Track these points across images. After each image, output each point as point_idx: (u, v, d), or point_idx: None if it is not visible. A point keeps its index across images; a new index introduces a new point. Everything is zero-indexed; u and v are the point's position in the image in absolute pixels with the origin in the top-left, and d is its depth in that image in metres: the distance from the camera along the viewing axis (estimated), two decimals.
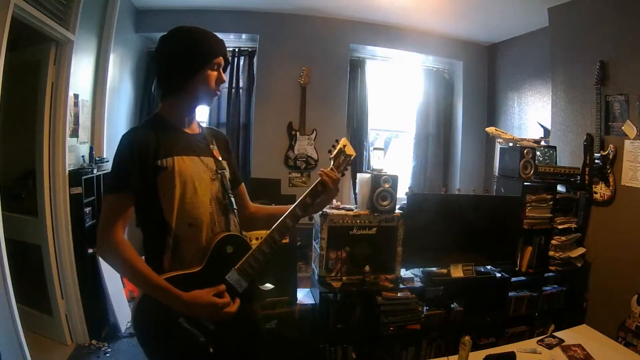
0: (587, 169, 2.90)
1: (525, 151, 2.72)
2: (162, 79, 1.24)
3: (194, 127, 1.29)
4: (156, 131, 1.17)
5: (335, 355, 2.34)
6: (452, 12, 3.62)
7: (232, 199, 1.28)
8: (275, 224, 1.24)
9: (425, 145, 4.54)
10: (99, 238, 1.11)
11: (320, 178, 1.29)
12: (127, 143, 1.14)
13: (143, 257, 1.15)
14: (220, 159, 1.28)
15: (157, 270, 1.10)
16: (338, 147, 1.32)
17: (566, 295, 2.85)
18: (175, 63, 1.18)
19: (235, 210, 1.29)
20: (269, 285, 1.28)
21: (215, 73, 1.22)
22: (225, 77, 1.27)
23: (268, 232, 1.24)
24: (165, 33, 1.22)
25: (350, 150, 1.33)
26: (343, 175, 1.34)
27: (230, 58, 1.41)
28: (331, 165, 1.32)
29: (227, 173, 1.29)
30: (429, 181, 4.55)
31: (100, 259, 2.76)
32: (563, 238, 2.82)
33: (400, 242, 2.45)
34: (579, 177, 2.92)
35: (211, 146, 1.29)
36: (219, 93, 1.25)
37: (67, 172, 2.54)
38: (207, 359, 1.14)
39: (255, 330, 1.34)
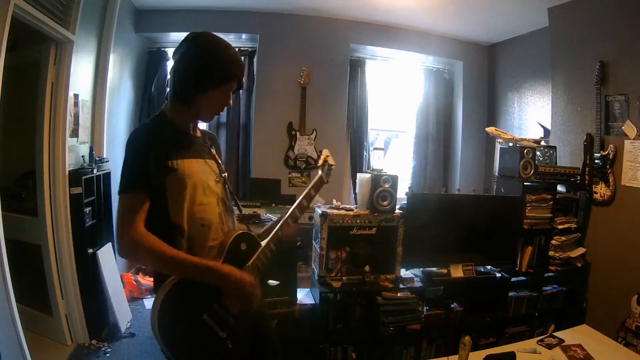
0: (587, 169, 2.90)
1: (525, 151, 2.71)
2: (177, 82, 1.19)
3: (197, 131, 1.31)
4: (165, 131, 1.18)
5: (335, 355, 2.34)
6: (452, 12, 3.62)
7: (237, 201, 1.34)
8: (279, 224, 1.32)
9: (425, 145, 4.55)
10: (120, 238, 1.08)
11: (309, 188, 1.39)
12: (142, 140, 1.13)
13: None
14: (220, 162, 1.32)
15: None
16: (322, 158, 1.44)
17: (566, 295, 2.85)
18: (194, 74, 1.16)
19: (235, 212, 1.33)
20: (273, 282, 1.36)
21: (223, 95, 1.22)
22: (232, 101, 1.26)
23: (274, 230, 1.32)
24: (195, 34, 1.20)
25: (331, 160, 1.46)
26: (327, 182, 1.46)
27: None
28: (320, 173, 1.43)
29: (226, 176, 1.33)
30: (429, 181, 4.54)
31: (99, 260, 2.77)
32: (563, 238, 2.82)
33: (400, 242, 2.45)
34: (579, 177, 2.92)
35: (212, 150, 1.32)
36: (219, 115, 1.28)
37: (67, 172, 2.54)
38: (225, 354, 1.17)
39: (266, 325, 1.42)
